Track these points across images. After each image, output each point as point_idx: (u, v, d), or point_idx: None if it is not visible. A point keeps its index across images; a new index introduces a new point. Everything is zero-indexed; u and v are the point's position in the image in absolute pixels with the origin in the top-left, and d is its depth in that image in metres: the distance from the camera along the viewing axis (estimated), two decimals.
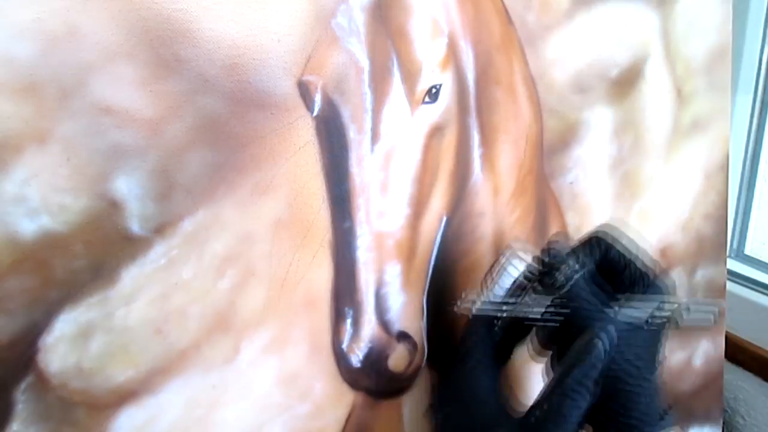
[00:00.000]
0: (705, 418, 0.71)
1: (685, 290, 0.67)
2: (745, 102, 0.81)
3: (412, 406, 0.51)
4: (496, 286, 0.43)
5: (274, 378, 0.45)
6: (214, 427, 0.43)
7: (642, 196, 0.62)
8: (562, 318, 0.41)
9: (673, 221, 0.64)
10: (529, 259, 0.44)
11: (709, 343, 0.70)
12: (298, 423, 0.46)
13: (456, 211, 0.51)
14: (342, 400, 0.48)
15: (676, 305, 0.40)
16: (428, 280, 0.50)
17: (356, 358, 0.47)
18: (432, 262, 0.50)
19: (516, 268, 0.43)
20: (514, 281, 0.43)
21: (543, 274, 0.42)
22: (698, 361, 0.69)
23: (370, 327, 0.47)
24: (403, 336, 0.49)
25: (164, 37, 0.37)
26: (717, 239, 0.68)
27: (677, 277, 0.66)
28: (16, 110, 0.34)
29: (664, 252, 0.65)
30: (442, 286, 0.51)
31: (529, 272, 0.43)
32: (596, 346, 0.38)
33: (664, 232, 0.64)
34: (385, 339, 0.48)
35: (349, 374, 0.47)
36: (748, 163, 0.83)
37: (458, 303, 0.45)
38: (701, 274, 0.68)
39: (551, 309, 0.42)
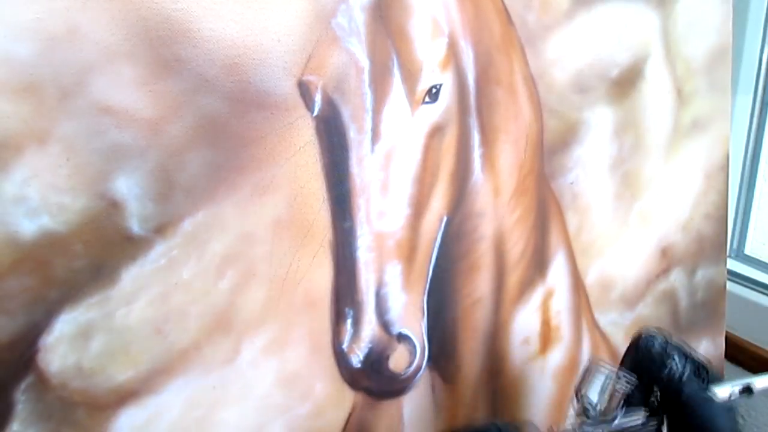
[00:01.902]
0: None
1: (686, 290, 0.67)
2: (745, 102, 0.81)
3: (412, 406, 0.51)
4: (589, 391, 0.41)
5: (274, 378, 0.45)
6: (214, 428, 0.43)
7: (642, 196, 0.62)
8: (687, 405, 0.39)
9: (673, 221, 0.64)
10: (611, 366, 0.42)
11: (709, 343, 0.70)
12: (299, 423, 0.46)
13: (456, 211, 0.51)
14: (342, 400, 0.48)
15: (746, 386, 0.40)
16: (429, 280, 0.50)
17: (356, 359, 0.47)
18: (432, 262, 0.50)
19: (603, 375, 0.41)
20: (607, 386, 0.41)
21: (653, 365, 0.41)
22: None
23: (370, 327, 0.47)
24: (403, 336, 0.49)
25: (164, 37, 0.37)
26: (717, 239, 0.67)
27: (678, 276, 0.66)
28: (16, 110, 0.34)
29: (664, 252, 0.65)
30: (442, 287, 0.51)
31: (623, 374, 0.41)
32: None
33: (665, 232, 0.64)
34: (385, 339, 0.48)
35: (349, 374, 0.47)
36: (748, 163, 0.83)
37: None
38: (701, 274, 0.68)
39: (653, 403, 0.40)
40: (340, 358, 0.47)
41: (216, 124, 0.39)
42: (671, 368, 0.40)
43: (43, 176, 0.35)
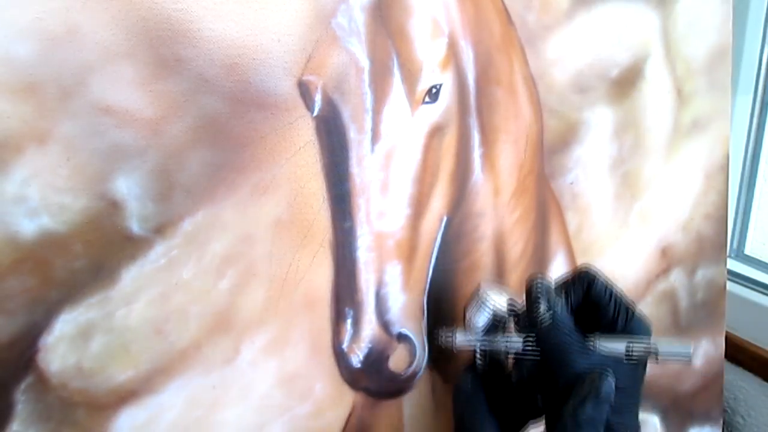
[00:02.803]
0: (705, 418, 0.71)
1: (686, 290, 0.67)
2: (745, 102, 0.81)
3: (412, 406, 0.51)
4: (474, 320, 0.45)
5: (274, 378, 0.45)
6: (214, 428, 0.43)
7: (642, 196, 0.62)
8: (542, 351, 0.41)
9: (673, 221, 0.64)
10: (504, 295, 0.45)
11: (709, 343, 0.70)
12: (299, 423, 0.46)
13: (456, 211, 0.51)
14: (342, 400, 0.48)
15: (650, 344, 0.41)
16: (429, 281, 0.50)
17: (356, 359, 0.47)
18: (432, 263, 0.50)
19: (493, 302, 0.44)
20: (492, 315, 0.44)
21: (527, 308, 0.43)
22: (698, 361, 0.69)
23: (370, 327, 0.47)
24: (403, 336, 0.49)
25: (164, 37, 0.37)
26: (717, 239, 0.67)
27: (678, 276, 0.66)
28: (16, 110, 0.34)
29: (664, 252, 0.65)
30: (442, 287, 0.51)
31: (510, 307, 0.45)
32: (607, 381, 0.39)
33: (665, 232, 0.64)
34: (385, 339, 0.48)
35: (349, 374, 0.47)
36: (748, 163, 0.83)
37: (440, 337, 0.46)
38: (701, 274, 0.68)
39: (531, 343, 0.43)
40: (340, 358, 0.47)
41: (216, 124, 0.39)
42: (536, 312, 0.41)
43: (43, 176, 0.35)
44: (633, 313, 0.43)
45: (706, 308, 0.69)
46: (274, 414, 0.45)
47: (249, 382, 0.44)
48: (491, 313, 0.44)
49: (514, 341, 0.44)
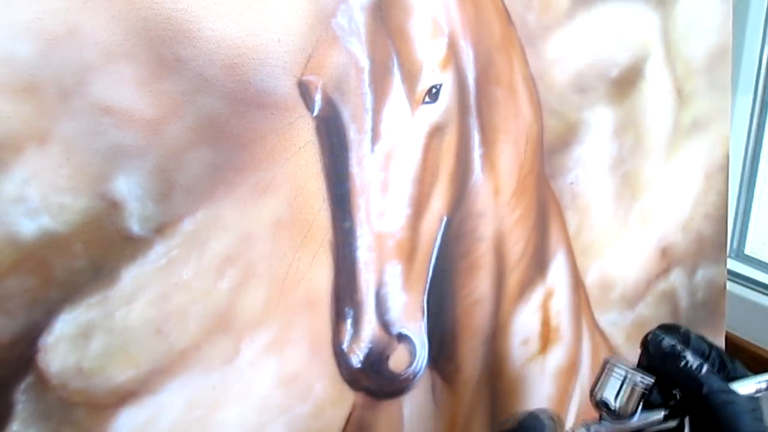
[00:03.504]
0: None
1: (686, 290, 0.67)
2: (745, 102, 0.81)
3: (412, 406, 0.51)
4: (605, 392, 0.39)
5: (274, 378, 0.45)
6: (214, 428, 0.43)
7: (642, 196, 0.62)
8: (705, 403, 0.38)
9: (673, 221, 0.64)
10: (628, 364, 0.40)
11: None
12: (299, 423, 0.46)
13: (456, 211, 0.51)
14: (342, 400, 0.48)
15: None
16: (429, 280, 0.50)
17: (356, 359, 0.47)
18: (432, 263, 0.50)
19: (620, 374, 0.39)
20: (623, 380, 0.39)
21: (667, 362, 0.39)
22: None
23: (370, 327, 0.47)
24: (403, 336, 0.49)
25: (164, 37, 0.37)
26: (717, 239, 0.67)
27: (678, 276, 0.66)
28: (16, 110, 0.34)
29: (664, 252, 0.65)
30: (442, 287, 0.51)
31: (641, 372, 0.39)
32: None
33: (665, 232, 0.64)
34: (385, 339, 0.48)
35: (349, 374, 0.47)
36: (748, 163, 0.83)
37: None
38: (701, 274, 0.68)
39: (674, 403, 0.39)
40: (340, 358, 0.47)
41: (216, 124, 0.39)
42: (687, 363, 0.38)
43: (43, 176, 0.35)
44: (731, 359, 0.40)
45: (706, 308, 0.69)
46: (274, 414, 0.45)
47: (249, 382, 0.44)
48: (622, 377, 0.39)
49: (654, 413, 0.38)
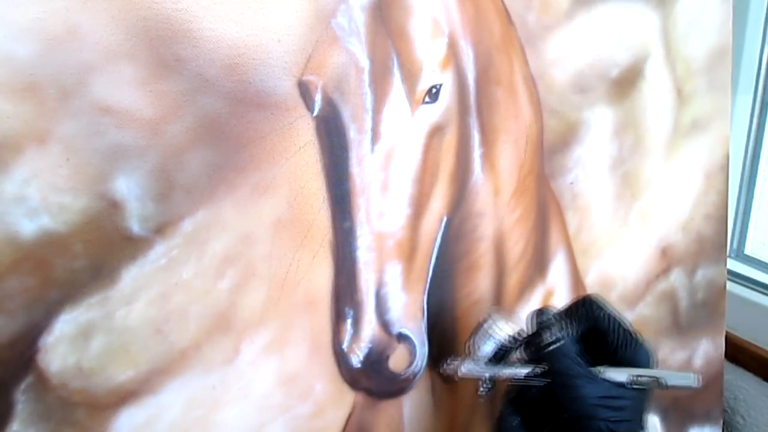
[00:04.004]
0: (705, 418, 0.71)
1: (686, 290, 0.67)
2: (745, 102, 0.80)
3: (412, 406, 0.51)
4: (480, 350, 0.45)
5: (274, 378, 0.45)
6: (214, 428, 0.43)
7: (642, 196, 0.62)
8: (548, 377, 0.41)
9: (673, 221, 0.64)
10: (510, 324, 0.45)
11: (709, 343, 0.70)
12: (299, 423, 0.46)
13: (456, 211, 0.51)
14: (342, 400, 0.48)
15: (656, 376, 0.40)
16: (429, 280, 0.50)
17: (356, 359, 0.47)
18: (432, 262, 0.50)
19: (499, 332, 0.45)
20: (498, 345, 0.45)
21: (531, 336, 0.43)
22: (698, 361, 0.69)
23: (370, 327, 0.47)
24: (403, 336, 0.49)
25: (164, 37, 0.37)
26: (717, 239, 0.67)
27: (678, 276, 0.66)
28: (16, 110, 0.34)
29: (664, 252, 0.65)
30: (442, 287, 0.51)
31: (515, 335, 0.45)
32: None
33: (665, 232, 0.64)
34: (385, 339, 0.48)
35: (349, 374, 0.47)
36: (748, 163, 0.83)
37: (444, 365, 0.46)
38: (701, 274, 0.68)
39: (537, 370, 0.43)
40: (340, 358, 0.47)
41: (216, 124, 0.39)
42: (543, 339, 0.42)
43: (43, 176, 0.35)
44: (636, 341, 0.43)
45: (706, 308, 0.69)
46: (274, 414, 0.45)
47: (249, 382, 0.44)
48: (497, 342, 0.45)
49: (519, 369, 0.44)
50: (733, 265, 0.83)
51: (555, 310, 0.44)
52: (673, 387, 0.40)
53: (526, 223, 0.55)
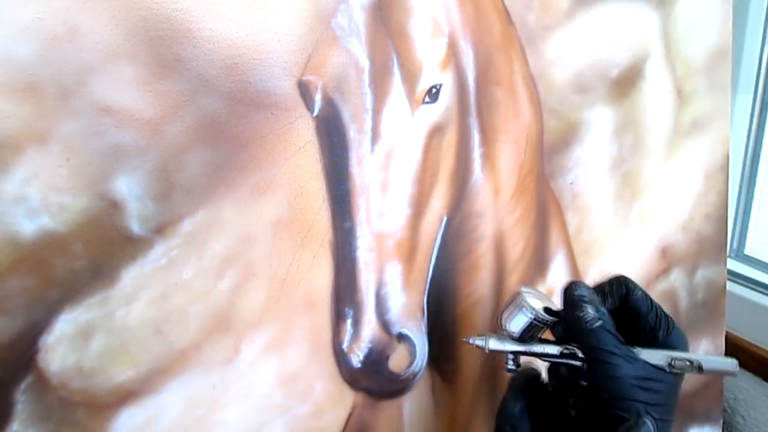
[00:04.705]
0: (705, 418, 0.71)
1: (686, 290, 0.67)
2: (745, 102, 0.80)
3: (412, 406, 0.51)
4: (510, 325, 0.43)
5: (274, 378, 0.45)
6: (214, 428, 0.43)
7: (642, 196, 0.62)
8: (587, 356, 0.40)
9: (673, 221, 0.64)
10: (541, 300, 0.43)
11: (709, 343, 0.70)
12: (299, 423, 0.46)
13: (456, 211, 0.51)
14: (342, 400, 0.48)
15: (694, 359, 0.40)
16: (429, 281, 0.50)
17: (356, 359, 0.47)
18: (432, 262, 0.50)
19: (530, 307, 0.42)
20: (529, 320, 0.42)
21: (566, 312, 0.41)
22: None
23: (370, 327, 0.47)
24: (403, 336, 0.49)
25: (164, 37, 0.37)
26: (717, 239, 0.67)
27: (678, 276, 0.66)
28: (16, 110, 0.34)
29: (664, 252, 0.65)
30: (442, 287, 0.51)
31: (547, 310, 0.43)
32: (645, 426, 0.38)
33: (665, 232, 0.64)
34: (385, 339, 0.48)
35: (349, 374, 0.47)
36: (748, 163, 0.83)
37: (472, 338, 0.44)
38: (701, 274, 0.68)
39: (570, 349, 0.41)
40: (340, 358, 0.47)
41: (216, 124, 0.39)
42: (583, 315, 0.40)
43: (43, 176, 0.35)
44: (673, 324, 0.42)
45: (706, 308, 0.69)
46: (274, 414, 0.45)
47: (249, 382, 0.44)
48: (530, 317, 0.42)
49: (550, 347, 0.42)
50: (733, 265, 0.83)
51: (589, 286, 0.42)
52: (711, 371, 0.40)
53: (526, 223, 0.55)
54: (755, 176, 0.83)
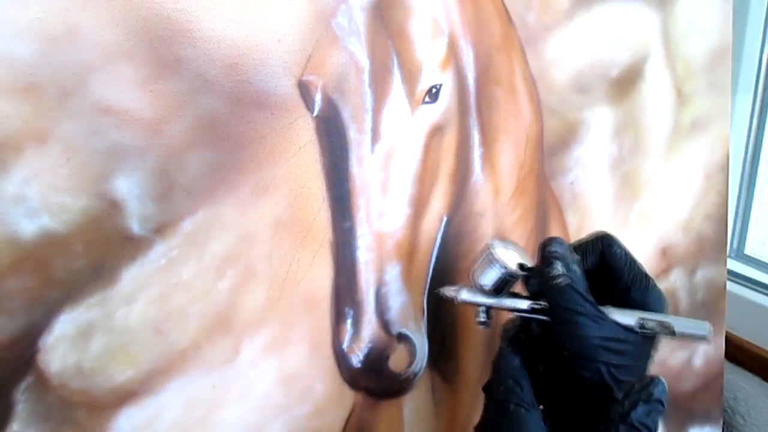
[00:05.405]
0: (705, 418, 0.71)
1: (686, 290, 0.67)
2: (745, 102, 0.81)
3: (412, 406, 0.51)
4: (480, 278, 0.42)
5: (274, 378, 0.45)
6: (214, 428, 0.43)
7: (642, 196, 0.62)
8: (552, 313, 0.40)
9: (673, 221, 0.64)
10: (514, 252, 0.43)
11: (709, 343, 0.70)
12: (299, 423, 0.46)
13: (456, 211, 0.51)
14: (342, 400, 0.48)
15: (665, 320, 0.38)
16: (429, 280, 0.50)
17: (356, 359, 0.47)
18: (432, 262, 0.50)
19: (500, 261, 0.42)
20: (500, 274, 0.42)
21: (539, 267, 0.41)
22: (698, 361, 0.69)
23: (370, 327, 0.47)
24: (403, 336, 0.49)
25: (164, 37, 0.37)
26: (717, 239, 0.67)
27: (678, 276, 0.66)
28: (16, 110, 0.34)
29: (664, 252, 0.65)
30: (442, 286, 0.51)
31: (519, 264, 0.42)
32: (660, 385, 0.37)
33: (665, 232, 0.64)
34: (385, 339, 0.48)
35: (349, 374, 0.47)
36: (748, 163, 0.83)
37: (443, 290, 0.44)
38: (701, 274, 0.68)
39: (540, 304, 0.41)
40: (340, 358, 0.47)
41: (216, 124, 0.39)
42: (552, 272, 0.39)
43: (43, 176, 0.35)
44: (650, 282, 0.41)
45: (706, 308, 0.69)
46: (274, 414, 0.45)
47: (249, 382, 0.44)
48: (500, 271, 0.42)
49: (521, 301, 0.42)
50: (733, 265, 0.83)
51: (568, 242, 0.41)
52: (684, 336, 0.38)
53: (526, 223, 0.55)
54: (755, 176, 0.83)
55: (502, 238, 0.48)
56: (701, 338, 0.38)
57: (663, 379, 0.37)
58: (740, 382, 0.80)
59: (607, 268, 0.41)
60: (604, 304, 0.39)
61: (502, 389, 0.40)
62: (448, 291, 0.44)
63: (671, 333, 0.38)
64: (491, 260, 0.42)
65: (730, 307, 0.70)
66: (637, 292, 0.40)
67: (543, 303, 0.41)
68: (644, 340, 0.39)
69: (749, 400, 0.79)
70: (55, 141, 0.35)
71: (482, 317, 0.44)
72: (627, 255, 0.41)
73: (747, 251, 0.86)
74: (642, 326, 0.38)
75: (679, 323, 0.38)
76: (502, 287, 0.42)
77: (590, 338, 0.38)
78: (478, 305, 0.43)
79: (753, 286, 0.80)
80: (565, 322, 0.38)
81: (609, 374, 0.38)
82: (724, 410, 0.79)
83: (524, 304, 0.42)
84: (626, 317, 0.38)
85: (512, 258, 0.42)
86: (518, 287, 0.44)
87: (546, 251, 0.40)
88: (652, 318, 0.38)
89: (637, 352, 0.39)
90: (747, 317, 0.78)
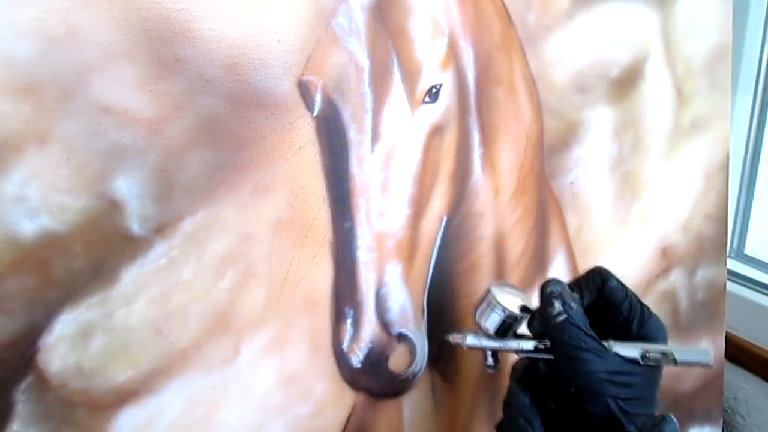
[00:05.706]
0: (705, 418, 0.71)
1: (686, 290, 0.67)
2: (745, 102, 0.80)
3: (412, 406, 0.51)
4: (484, 323, 0.43)
5: (274, 378, 0.45)
6: (214, 428, 0.43)
7: (642, 196, 0.62)
8: (554, 350, 0.40)
9: (673, 221, 0.64)
10: (514, 295, 0.44)
11: (709, 343, 0.70)
12: (299, 423, 0.46)
13: (456, 211, 0.51)
14: (342, 400, 0.48)
15: (668, 351, 0.39)
16: (429, 281, 0.50)
17: (356, 359, 0.47)
18: (432, 262, 0.50)
19: (502, 304, 0.43)
20: (502, 317, 0.43)
21: (539, 308, 0.41)
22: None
23: (370, 327, 0.47)
24: (403, 336, 0.49)
25: (164, 37, 0.37)
26: (717, 239, 0.67)
27: (678, 276, 0.66)
28: (17, 110, 0.34)
29: (664, 252, 0.65)
30: (442, 287, 0.51)
31: (521, 307, 0.43)
32: (670, 425, 0.37)
33: (665, 232, 0.64)
34: (385, 339, 0.48)
35: (349, 374, 0.47)
36: (748, 163, 0.83)
37: (450, 336, 0.45)
38: (701, 274, 0.68)
39: (544, 343, 0.42)
40: (340, 358, 0.47)
41: (216, 124, 0.39)
42: (550, 310, 0.40)
43: (43, 176, 0.35)
44: (649, 314, 0.41)
45: (706, 308, 0.69)
46: (274, 414, 0.45)
47: (249, 382, 0.44)
48: (502, 315, 0.43)
49: (525, 342, 0.42)
50: (733, 265, 0.83)
51: (563, 281, 0.42)
52: (685, 363, 0.39)
53: (526, 223, 0.55)
54: (755, 176, 0.83)
55: (501, 283, 0.49)
56: (703, 364, 0.39)
57: (674, 417, 0.38)
58: (740, 382, 0.80)
59: (606, 303, 0.42)
60: (605, 338, 0.40)
61: (514, 428, 0.40)
62: (455, 338, 0.45)
63: (674, 362, 0.39)
64: (492, 305, 0.43)
65: (730, 307, 0.70)
66: (637, 324, 0.41)
67: (547, 342, 0.41)
68: (649, 371, 0.39)
69: (749, 400, 0.79)
70: (55, 141, 0.35)
71: (490, 361, 0.45)
72: (624, 288, 0.42)
73: (747, 251, 0.86)
74: (645, 357, 0.39)
75: (681, 352, 0.39)
76: (505, 330, 0.43)
77: (596, 373, 0.38)
78: (485, 349, 0.44)
79: (753, 286, 0.80)
80: (570, 358, 0.39)
81: (618, 407, 0.38)
82: (724, 410, 0.79)
83: (529, 345, 0.42)
84: (629, 350, 0.39)
85: (513, 301, 0.43)
86: (523, 328, 0.44)
87: (545, 292, 0.41)
88: (654, 349, 0.39)
89: (643, 383, 0.39)
90: (747, 317, 0.78)
